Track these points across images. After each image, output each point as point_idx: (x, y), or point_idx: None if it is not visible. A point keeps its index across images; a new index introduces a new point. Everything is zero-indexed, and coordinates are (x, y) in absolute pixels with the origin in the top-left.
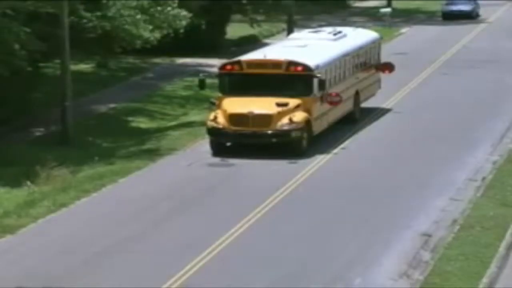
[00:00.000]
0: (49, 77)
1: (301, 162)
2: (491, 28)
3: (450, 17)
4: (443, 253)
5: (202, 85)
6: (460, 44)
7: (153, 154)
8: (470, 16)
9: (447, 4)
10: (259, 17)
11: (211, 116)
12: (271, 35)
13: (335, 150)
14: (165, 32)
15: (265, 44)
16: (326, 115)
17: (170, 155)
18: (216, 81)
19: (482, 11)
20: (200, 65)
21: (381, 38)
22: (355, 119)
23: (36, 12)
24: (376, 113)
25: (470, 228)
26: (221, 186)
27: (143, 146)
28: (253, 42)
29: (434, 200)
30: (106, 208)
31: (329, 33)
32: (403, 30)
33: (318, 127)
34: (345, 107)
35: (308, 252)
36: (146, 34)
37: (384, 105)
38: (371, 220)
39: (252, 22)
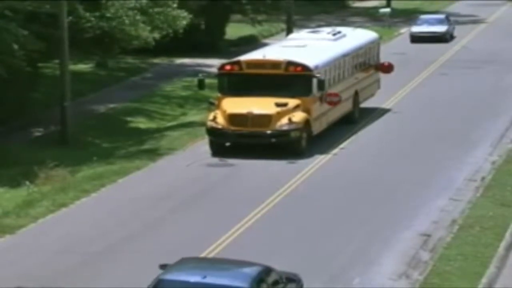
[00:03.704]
0: (48, 77)
1: (301, 162)
2: (491, 28)
3: (420, 40)
4: (442, 253)
5: (201, 85)
6: (459, 45)
7: (153, 154)
8: (444, 39)
9: (417, 25)
10: (259, 17)
11: (211, 116)
12: (270, 35)
13: (335, 151)
14: (164, 32)
15: (265, 44)
16: (326, 115)
17: (170, 155)
18: (215, 81)
19: (481, 11)
20: (199, 65)
21: (380, 38)
22: (355, 119)
23: (35, 12)
24: (376, 113)
25: (470, 228)
26: (220, 186)
27: (142, 146)
28: (253, 42)
29: (433, 200)
30: (106, 208)
31: (328, 33)
32: (403, 30)
33: (317, 127)
34: (345, 107)
35: (307, 251)
36: (145, 35)
37: (384, 105)
38: (371, 220)
39: (254, 21)
